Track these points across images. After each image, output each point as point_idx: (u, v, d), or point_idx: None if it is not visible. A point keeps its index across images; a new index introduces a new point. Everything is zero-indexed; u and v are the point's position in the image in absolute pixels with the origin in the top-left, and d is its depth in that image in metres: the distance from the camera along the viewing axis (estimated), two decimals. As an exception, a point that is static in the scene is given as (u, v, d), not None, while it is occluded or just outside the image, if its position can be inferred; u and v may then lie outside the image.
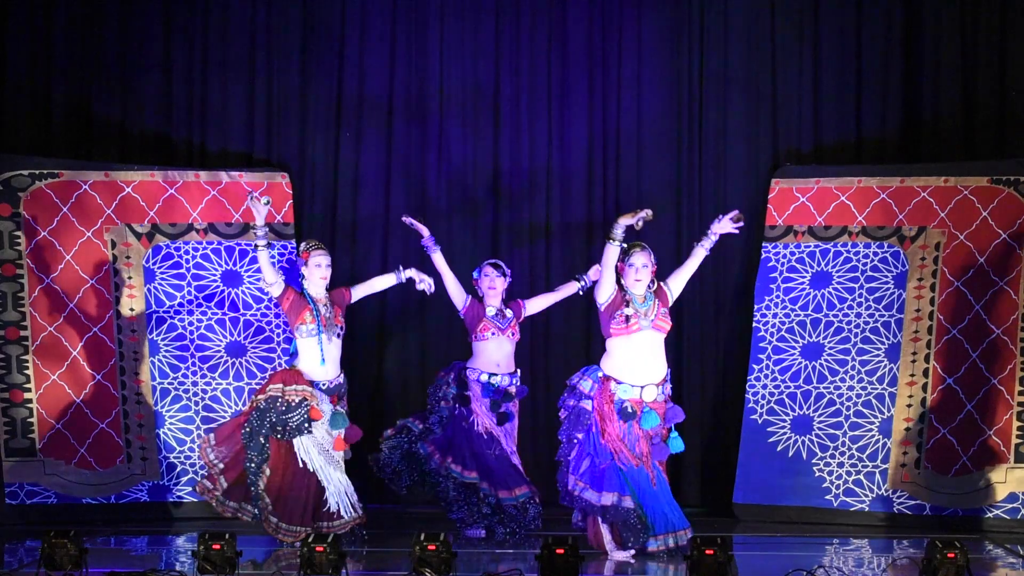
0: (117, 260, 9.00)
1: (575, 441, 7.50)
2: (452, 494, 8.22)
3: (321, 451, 7.81)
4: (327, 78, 9.60)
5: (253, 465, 7.79)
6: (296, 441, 7.77)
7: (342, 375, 7.98)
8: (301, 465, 7.77)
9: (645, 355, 7.45)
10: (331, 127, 9.61)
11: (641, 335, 7.43)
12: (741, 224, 7.66)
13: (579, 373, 7.62)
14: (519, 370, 8.49)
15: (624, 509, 7.35)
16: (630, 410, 7.38)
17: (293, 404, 7.75)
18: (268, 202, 7.90)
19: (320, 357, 7.83)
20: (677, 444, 7.53)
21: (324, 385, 7.86)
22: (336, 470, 7.85)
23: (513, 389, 8.38)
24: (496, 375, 8.34)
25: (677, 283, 7.62)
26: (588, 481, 7.44)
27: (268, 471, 7.77)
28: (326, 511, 7.81)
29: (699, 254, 7.63)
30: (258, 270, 8.25)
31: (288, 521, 7.72)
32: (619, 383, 7.43)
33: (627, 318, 7.41)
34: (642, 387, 7.42)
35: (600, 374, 7.50)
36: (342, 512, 7.82)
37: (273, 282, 7.91)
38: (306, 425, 7.74)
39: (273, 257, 8.13)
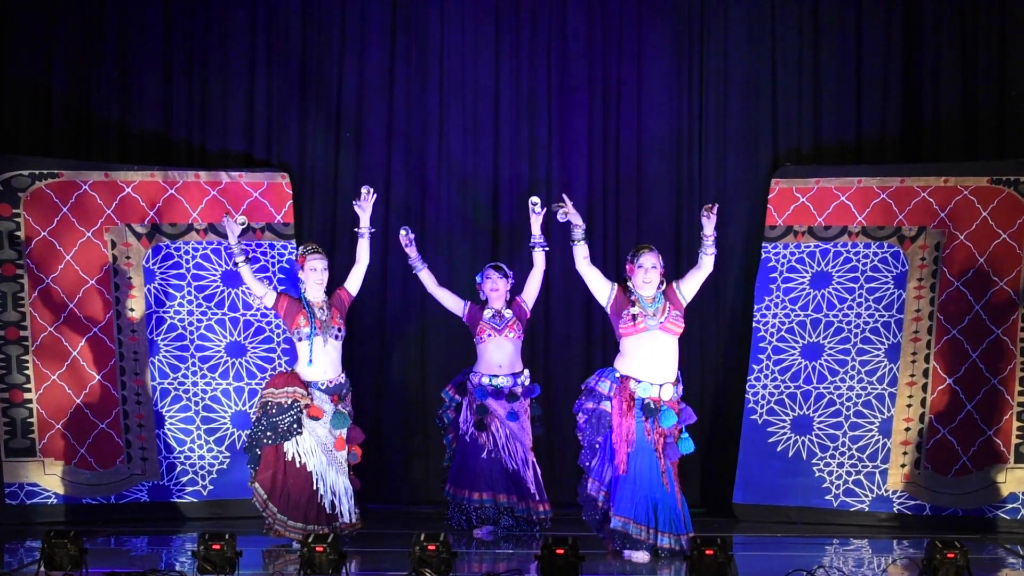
0: (117, 260, 9.00)
1: (596, 446, 7.46)
2: (465, 523, 8.29)
3: (324, 451, 7.80)
4: (327, 79, 9.60)
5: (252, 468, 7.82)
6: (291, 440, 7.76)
7: (343, 375, 7.95)
8: (291, 459, 7.73)
9: (657, 355, 7.39)
10: (331, 128, 9.61)
11: (651, 335, 7.37)
12: (713, 209, 7.36)
13: (595, 376, 7.55)
14: (527, 369, 8.48)
15: (631, 536, 7.31)
16: (652, 407, 7.35)
17: (285, 406, 7.74)
18: (244, 222, 7.90)
19: (308, 359, 7.82)
20: (687, 445, 7.48)
21: (323, 385, 7.84)
22: (338, 472, 7.84)
23: (519, 389, 8.37)
24: (497, 376, 8.34)
25: (689, 287, 7.49)
26: (609, 495, 7.40)
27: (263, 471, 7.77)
28: (327, 513, 7.79)
29: (706, 263, 7.43)
30: (255, 272, 8.22)
31: (291, 516, 7.70)
32: (639, 382, 7.37)
33: (633, 317, 7.37)
34: (660, 385, 7.40)
35: (617, 375, 7.43)
36: (338, 514, 7.80)
37: (263, 294, 7.91)
38: (296, 427, 7.72)
39: (257, 267, 8.12)
